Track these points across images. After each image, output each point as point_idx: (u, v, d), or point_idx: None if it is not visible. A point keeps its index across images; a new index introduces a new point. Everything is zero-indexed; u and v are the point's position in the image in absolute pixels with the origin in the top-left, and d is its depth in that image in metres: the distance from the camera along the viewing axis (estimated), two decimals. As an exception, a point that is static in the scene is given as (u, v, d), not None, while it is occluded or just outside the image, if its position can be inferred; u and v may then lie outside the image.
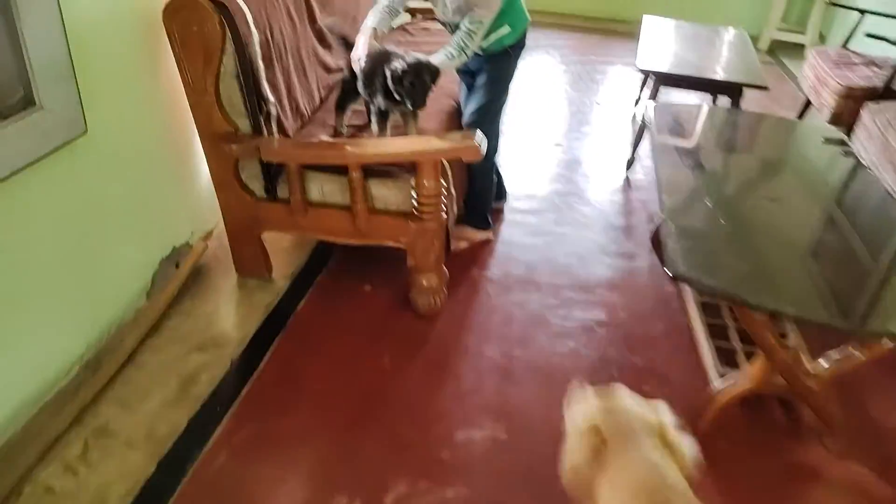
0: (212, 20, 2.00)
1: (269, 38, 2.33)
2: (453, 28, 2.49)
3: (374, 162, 2.15)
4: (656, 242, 2.84)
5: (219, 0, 2.02)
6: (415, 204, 2.18)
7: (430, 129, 2.51)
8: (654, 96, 3.33)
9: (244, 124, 2.22)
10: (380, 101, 2.27)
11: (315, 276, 2.61)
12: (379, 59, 2.25)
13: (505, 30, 2.53)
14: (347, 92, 2.43)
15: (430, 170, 2.09)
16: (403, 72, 2.14)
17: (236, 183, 2.30)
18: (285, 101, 2.45)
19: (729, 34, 4.06)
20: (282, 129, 2.41)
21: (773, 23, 5.88)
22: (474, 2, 2.30)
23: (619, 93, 4.75)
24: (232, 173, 2.28)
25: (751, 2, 6.21)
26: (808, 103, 3.81)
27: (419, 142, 2.15)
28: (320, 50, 2.81)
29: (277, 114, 2.36)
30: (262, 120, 2.25)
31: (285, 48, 2.44)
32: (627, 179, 3.53)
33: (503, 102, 2.66)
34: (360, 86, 2.32)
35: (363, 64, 2.29)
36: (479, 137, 2.08)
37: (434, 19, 3.79)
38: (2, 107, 1.57)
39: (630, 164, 3.55)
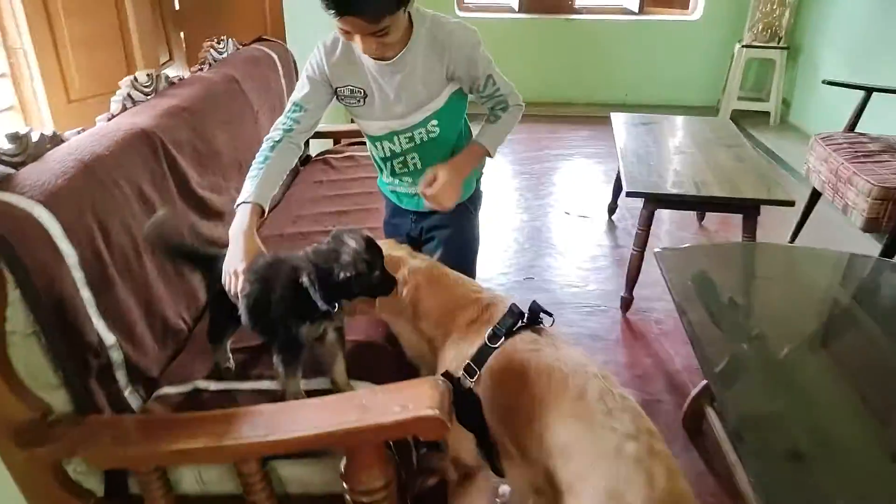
0: (-29, 263, 1.19)
1: (104, 246, 1.52)
2: (395, 148, 1.78)
3: (274, 452, 1.32)
4: (692, 426, 2.07)
5: (-17, 226, 1.21)
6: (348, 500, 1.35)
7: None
8: (646, 224, 2.63)
9: (59, 400, 1.37)
10: (288, 331, 1.45)
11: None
12: (275, 273, 1.45)
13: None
14: (220, 318, 1.59)
15: (368, 455, 1.28)
16: (350, 262, 1.34)
17: (57, 486, 1.42)
18: (141, 330, 1.62)
19: (714, 127, 3.46)
20: (136, 376, 1.57)
21: (734, 92, 5.42)
22: (468, 61, 1.68)
23: (587, 195, 4.09)
24: (49, 474, 1.40)
25: (704, 72, 5.78)
26: (815, 194, 3.20)
27: (346, 406, 1.33)
28: (204, 225, 2.01)
29: (125, 357, 1.53)
30: (91, 383, 1.41)
31: (136, 249, 1.64)
32: (626, 321, 2.79)
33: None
34: (243, 317, 1.49)
35: (245, 286, 1.47)
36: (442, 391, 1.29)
37: (360, 143, 3.07)
38: None
39: (627, 303, 2.81)
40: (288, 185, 2.75)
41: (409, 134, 1.74)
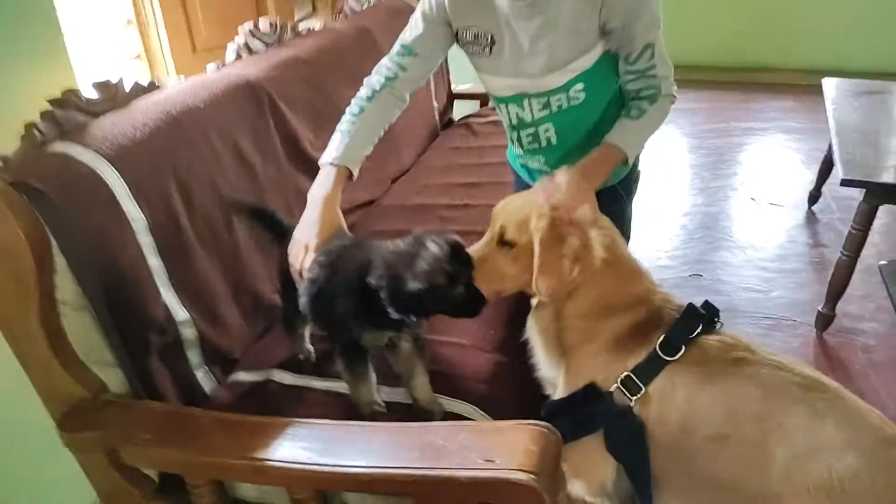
0: (10, 225, 1.04)
1: (185, 209, 1.35)
2: (525, 116, 1.43)
3: (321, 486, 1.06)
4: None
5: (28, 185, 1.06)
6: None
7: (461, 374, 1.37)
8: (864, 223, 2.02)
9: (114, 379, 1.22)
10: (349, 332, 1.19)
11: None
12: (348, 261, 1.18)
13: None
14: (292, 301, 1.32)
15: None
16: (427, 271, 1.05)
17: (113, 469, 1.28)
18: (226, 306, 1.45)
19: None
20: (213, 356, 1.40)
21: None
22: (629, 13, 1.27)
23: (782, 179, 3.41)
24: (104, 456, 1.26)
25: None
26: None
27: (413, 442, 1.02)
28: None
29: (200, 335, 1.36)
30: (151, 362, 1.25)
31: (226, 215, 1.45)
32: (822, 343, 2.20)
33: None
34: (302, 303, 1.24)
35: (313, 267, 1.22)
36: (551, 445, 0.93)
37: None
38: None
39: (826, 321, 2.22)
40: (422, 149, 2.49)
41: (545, 99, 1.37)
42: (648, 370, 1.05)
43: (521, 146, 1.46)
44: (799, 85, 4.62)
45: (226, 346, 1.44)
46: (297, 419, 1.10)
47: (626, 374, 1.06)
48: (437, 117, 2.68)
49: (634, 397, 1.06)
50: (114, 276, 1.18)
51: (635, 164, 1.50)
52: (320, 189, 1.33)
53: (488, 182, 2.09)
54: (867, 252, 2.20)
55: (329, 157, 1.36)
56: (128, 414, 1.19)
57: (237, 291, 1.48)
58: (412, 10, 1.88)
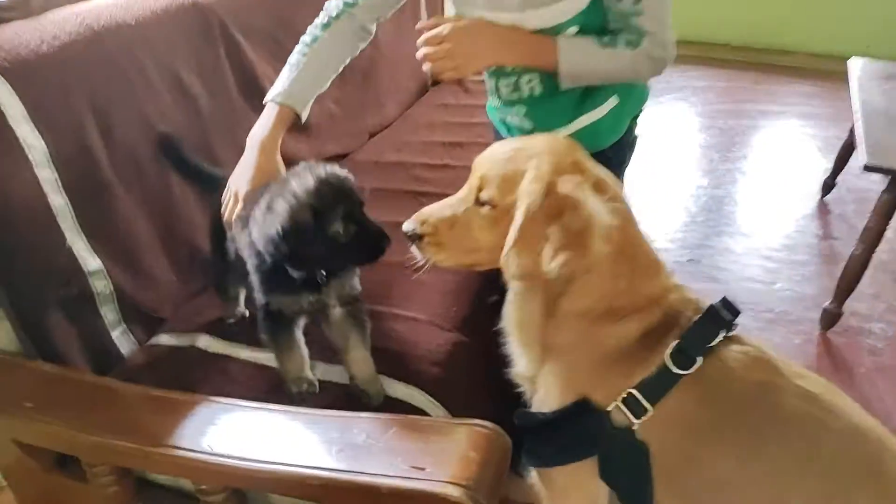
0: None
1: (102, 142, 1.15)
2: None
3: (219, 483, 0.88)
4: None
5: None
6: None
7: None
8: (884, 215, 1.82)
9: (3, 336, 1.04)
10: (265, 297, 1.00)
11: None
12: (269, 210, 0.99)
13: (609, 104, 1.21)
14: (220, 257, 1.16)
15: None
16: (315, 194, 0.91)
17: (9, 440, 1.10)
18: (152, 256, 1.26)
19: None
20: (135, 314, 1.22)
21: None
22: None
23: (794, 165, 3.19)
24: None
25: None
26: None
27: (331, 438, 0.84)
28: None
29: (116, 289, 1.17)
30: (49, 318, 1.06)
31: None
32: (825, 342, 2.02)
33: None
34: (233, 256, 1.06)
35: (234, 226, 1.05)
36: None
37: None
38: None
39: (832, 319, 2.04)
40: (408, 104, 2.28)
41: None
42: (657, 386, 0.82)
43: (499, 97, 1.26)
44: (819, 70, 4.37)
45: (151, 303, 1.26)
46: (207, 397, 0.93)
47: (629, 391, 0.82)
48: (427, 72, 2.46)
49: (638, 420, 0.82)
50: (4, 221, 0.98)
51: (631, 128, 1.29)
52: (259, 130, 1.16)
53: (473, 143, 1.89)
54: (881, 248, 2.00)
55: (272, 93, 1.18)
56: (7, 375, 1.01)
57: (168, 241, 1.30)
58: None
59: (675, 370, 0.80)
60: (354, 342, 1.03)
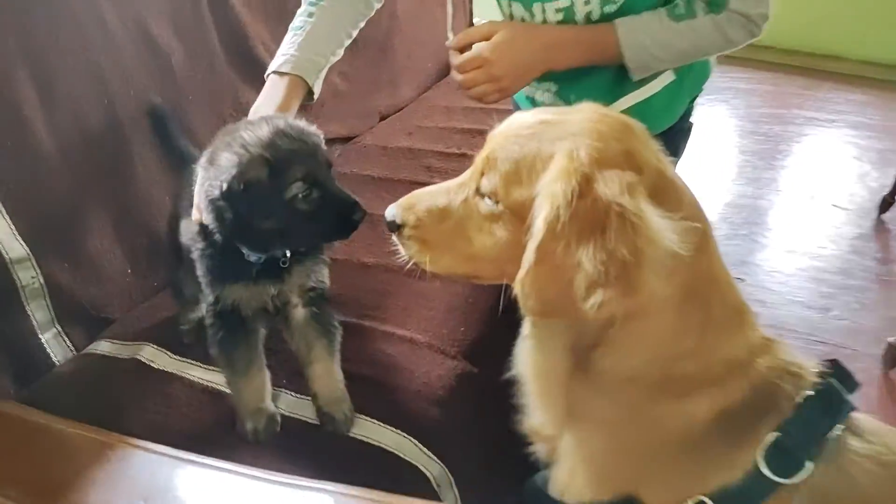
0: None
1: (36, 93, 0.93)
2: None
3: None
4: None
5: None
6: None
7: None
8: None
9: None
10: (213, 289, 0.79)
11: None
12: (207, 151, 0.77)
13: (662, 80, 0.98)
14: (177, 252, 0.92)
15: None
16: (270, 145, 0.71)
17: None
18: (100, 243, 1.04)
19: None
20: (74, 314, 1.00)
21: None
22: None
23: (848, 178, 2.91)
24: None
25: None
26: None
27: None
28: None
29: (47, 282, 0.95)
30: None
31: (115, 113, 1.03)
32: (888, 384, 1.76)
33: None
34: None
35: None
36: None
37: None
38: None
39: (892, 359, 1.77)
40: (426, 87, 2.04)
41: (566, 2, 0.92)
42: (744, 498, 0.56)
43: None
44: (872, 78, 4.08)
45: (96, 301, 1.04)
46: (126, 440, 0.69)
47: (701, 499, 0.57)
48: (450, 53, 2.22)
49: None
50: None
51: (688, 112, 1.04)
52: (263, 104, 0.95)
53: (497, 131, 1.64)
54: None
55: (276, 62, 0.98)
56: None
57: (122, 224, 1.07)
58: None
59: (773, 477, 0.55)
60: (319, 352, 0.81)
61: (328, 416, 0.80)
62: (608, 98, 0.95)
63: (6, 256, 0.90)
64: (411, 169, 1.47)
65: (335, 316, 0.86)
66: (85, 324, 1.02)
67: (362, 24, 1.08)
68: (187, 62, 1.17)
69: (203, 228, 0.76)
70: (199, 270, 0.79)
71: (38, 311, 0.96)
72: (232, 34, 1.27)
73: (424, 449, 0.82)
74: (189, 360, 0.93)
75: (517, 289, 0.57)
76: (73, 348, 1.00)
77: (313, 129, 0.76)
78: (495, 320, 1.06)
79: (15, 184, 0.91)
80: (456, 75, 0.88)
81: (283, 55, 0.98)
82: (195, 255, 0.79)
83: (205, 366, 0.91)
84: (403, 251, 0.69)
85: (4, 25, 0.88)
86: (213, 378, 0.89)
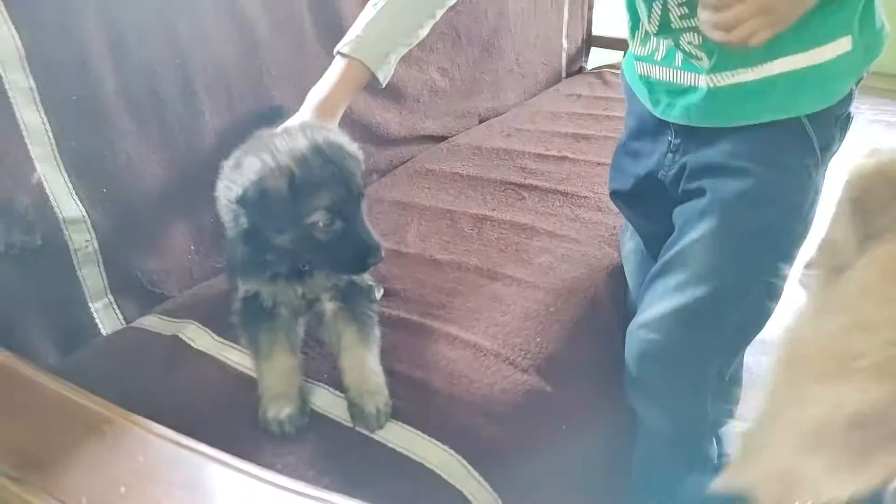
0: None
1: (109, 54, 0.89)
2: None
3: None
4: None
5: None
6: None
7: None
8: None
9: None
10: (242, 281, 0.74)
11: None
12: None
13: (836, 47, 0.76)
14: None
15: None
16: (301, 160, 0.67)
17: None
18: (156, 213, 0.98)
19: None
20: (127, 283, 0.95)
21: None
22: None
23: None
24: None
25: None
26: None
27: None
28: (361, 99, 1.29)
29: (102, 248, 0.90)
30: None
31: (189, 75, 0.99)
32: None
33: (770, 307, 0.85)
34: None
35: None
36: None
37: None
38: None
39: None
40: (532, 94, 1.91)
41: None
42: None
43: (663, 29, 0.84)
44: None
45: (153, 275, 0.99)
46: (124, 415, 0.60)
47: None
48: (563, 60, 2.09)
49: None
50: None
51: (849, 97, 0.83)
52: (319, 89, 0.90)
53: (605, 137, 1.48)
54: None
55: (343, 42, 0.92)
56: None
57: (189, 200, 1.01)
58: None
59: None
60: (349, 339, 0.74)
61: (357, 409, 0.70)
62: (760, 57, 0.77)
63: (59, 215, 0.86)
64: (504, 169, 1.34)
65: (374, 308, 0.80)
66: (139, 297, 0.97)
67: (444, 10, 0.97)
68: (273, 34, 1.11)
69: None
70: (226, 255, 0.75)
71: (91, 279, 0.91)
72: (324, 9, 1.21)
73: (473, 471, 0.67)
74: (230, 343, 0.84)
75: None
76: (122, 320, 0.95)
77: (355, 149, 0.73)
78: (580, 337, 0.90)
79: (77, 141, 0.87)
80: (709, 16, 0.68)
81: (351, 35, 0.91)
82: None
83: (244, 350, 0.82)
84: None
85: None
86: (250, 364, 0.79)
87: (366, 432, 0.69)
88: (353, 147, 0.72)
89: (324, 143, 0.68)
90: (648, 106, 0.92)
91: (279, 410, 0.69)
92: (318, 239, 0.68)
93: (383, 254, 0.71)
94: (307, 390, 0.74)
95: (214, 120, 1.04)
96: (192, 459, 0.53)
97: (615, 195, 1.04)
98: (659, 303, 0.84)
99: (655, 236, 0.94)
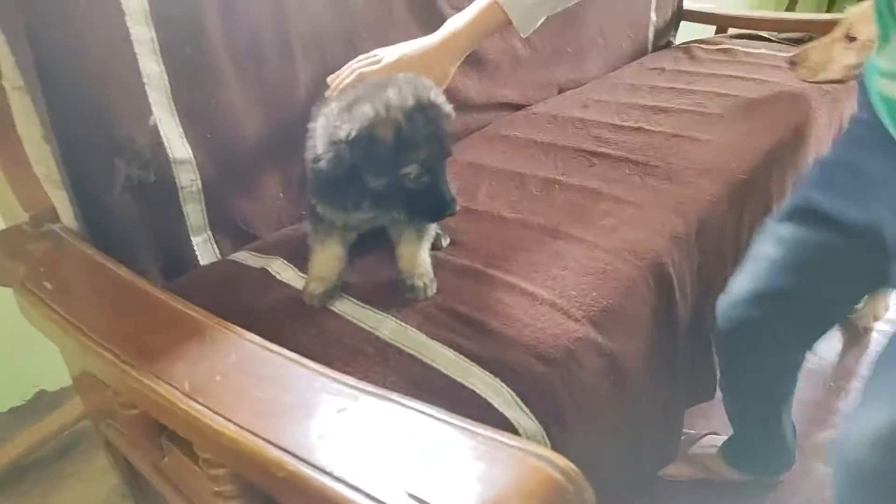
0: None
1: (219, 15, 0.99)
2: None
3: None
4: None
5: None
6: None
7: None
8: None
9: (65, 210, 0.92)
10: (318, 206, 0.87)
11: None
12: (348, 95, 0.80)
13: None
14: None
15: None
16: (409, 116, 0.75)
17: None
18: (252, 159, 1.09)
19: None
20: (225, 222, 1.06)
21: None
22: None
23: None
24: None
25: None
26: None
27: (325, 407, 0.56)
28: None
29: (204, 187, 1.02)
30: (116, 202, 0.93)
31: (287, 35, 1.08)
32: None
33: None
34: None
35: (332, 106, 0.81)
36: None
37: (756, 36, 2.01)
38: None
39: None
40: (614, 66, 1.91)
41: None
42: None
43: None
44: None
45: (247, 216, 1.10)
46: (220, 322, 0.70)
47: None
48: (650, 34, 2.07)
49: None
50: (77, 60, 0.85)
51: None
52: (453, 22, 0.96)
53: (685, 111, 1.48)
54: None
55: None
56: (54, 253, 0.88)
57: (282, 151, 1.11)
58: None
59: None
60: (406, 237, 0.88)
61: (407, 285, 0.87)
62: None
63: (171, 156, 0.97)
64: (579, 137, 1.37)
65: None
66: (233, 235, 1.08)
67: None
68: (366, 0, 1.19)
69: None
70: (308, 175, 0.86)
71: (193, 215, 1.03)
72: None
73: (521, 403, 0.73)
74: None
75: None
76: (219, 254, 1.06)
77: (450, 111, 0.79)
78: (635, 295, 0.94)
79: (189, 90, 0.97)
80: None
81: None
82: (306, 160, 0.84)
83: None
84: None
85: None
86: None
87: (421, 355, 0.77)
88: (449, 108, 0.79)
89: (428, 102, 0.75)
90: (892, 131, 0.80)
91: (315, 287, 0.87)
92: (405, 188, 0.76)
93: (457, 208, 0.79)
94: (378, 322, 0.82)
95: (308, 79, 1.12)
96: (276, 360, 0.62)
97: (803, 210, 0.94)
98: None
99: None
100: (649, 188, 1.15)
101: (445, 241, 0.99)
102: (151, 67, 0.93)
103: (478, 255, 0.96)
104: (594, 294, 0.89)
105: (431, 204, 0.78)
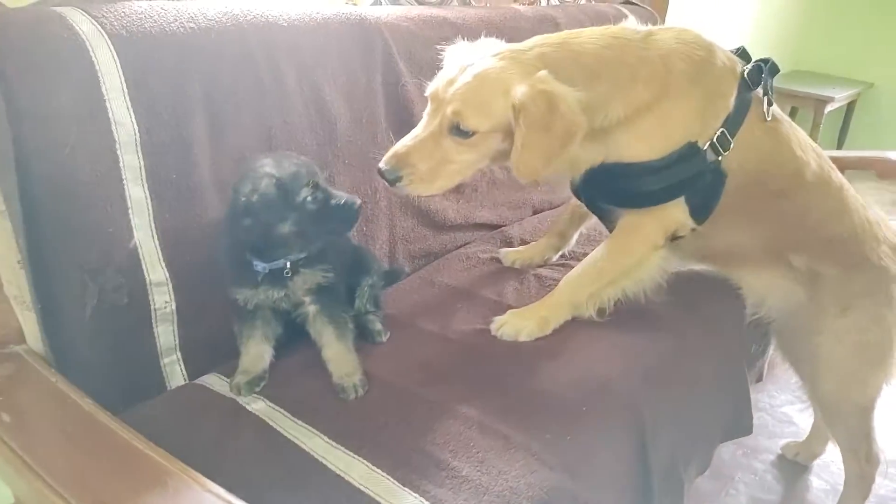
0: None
1: (207, 140, 1.02)
2: None
3: None
4: None
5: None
6: None
7: None
8: None
9: (32, 331, 0.90)
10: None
11: None
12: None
13: None
14: None
15: None
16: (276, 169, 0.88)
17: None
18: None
19: None
20: (196, 345, 1.04)
21: None
22: None
23: None
24: None
25: None
26: None
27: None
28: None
29: (178, 310, 1.00)
30: (86, 321, 0.91)
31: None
32: None
33: None
34: None
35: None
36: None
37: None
38: None
39: None
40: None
41: None
42: None
43: None
44: None
45: (219, 337, 1.07)
46: (184, 469, 0.67)
47: None
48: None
49: None
50: (62, 187, 0.86)
51: None
52: None
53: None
54: None
55: None
56: (16, 379, 0.85)
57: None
58: (622, 19, 1.41)
59: None
60: (328, 338, 0.97)
61: (340, 387, 0.94)
62: None
63: (147, 278, 0.96)
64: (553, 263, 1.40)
65: (347, 310, 1.02)
66: (203, 355, 1.06)
67: None
68: (351, 128, 1.23)
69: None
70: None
71: (164, 336, 1.01)
72: (399, 109, 1.33)
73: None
74: (280, 409, 0.91)
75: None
76: (186, 377, 1.03)
77: (307, 160, 0.92)
78: (609, 439, 0.93)
79: (171, 214, 0.98)
80: None
81: None
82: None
83: (298, 420, 0.89)
84: (408, 191, 0.98)
85: (194, 76, 0.99)
86: (299, 434, 0.86)
87: None
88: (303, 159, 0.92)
89: (285, 157, 0.89)
90: None
91: (241, 380, 0.95)
92: (310, 211, 0.87)
93: (360, 201, 0.92)
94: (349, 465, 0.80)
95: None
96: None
97: None
98: None
99: None
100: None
101: (386, 336, 1.07)
102: (137, 193, 0.94)
103: (455, 389, 0.95)
104: (568, 438, 0.88)
105: (339, 213, 0.90)
